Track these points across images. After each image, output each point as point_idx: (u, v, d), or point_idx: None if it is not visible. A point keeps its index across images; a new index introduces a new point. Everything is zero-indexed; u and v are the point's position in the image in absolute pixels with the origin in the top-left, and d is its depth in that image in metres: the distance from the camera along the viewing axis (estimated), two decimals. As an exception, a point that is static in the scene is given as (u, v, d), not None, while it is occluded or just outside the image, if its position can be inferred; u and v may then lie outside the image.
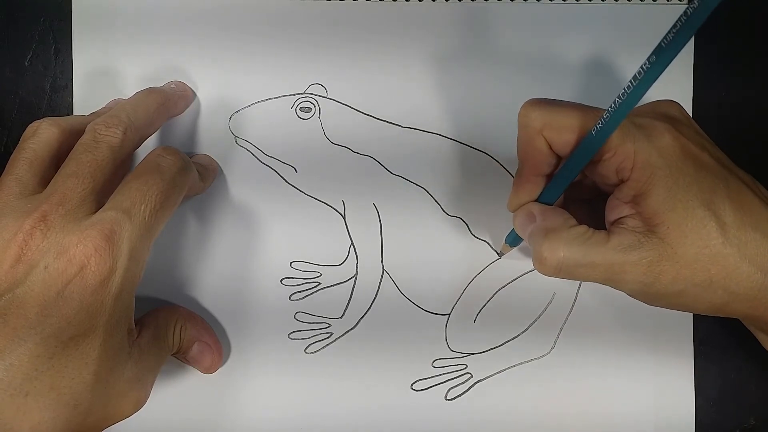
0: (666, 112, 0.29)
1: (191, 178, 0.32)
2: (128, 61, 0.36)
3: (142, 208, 0.28)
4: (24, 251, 0.27)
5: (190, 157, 0.34)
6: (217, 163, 0.36)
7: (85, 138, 0.30)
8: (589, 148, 0.27)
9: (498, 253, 0.36)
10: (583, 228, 0.28)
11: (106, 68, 0.36)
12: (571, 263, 0.27)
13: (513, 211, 0.31)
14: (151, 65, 0.36)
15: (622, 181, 0.28)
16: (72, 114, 0.36)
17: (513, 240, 0.33)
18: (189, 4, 0.36)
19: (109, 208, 0.28)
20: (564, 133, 0.28)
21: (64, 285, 0.26)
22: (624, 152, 0.27)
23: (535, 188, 0.30)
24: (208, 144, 0.36)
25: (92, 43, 0.36)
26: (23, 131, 0.31)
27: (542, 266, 0.28)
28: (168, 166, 0.30)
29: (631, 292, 0.28)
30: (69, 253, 0.26)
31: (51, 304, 0.26)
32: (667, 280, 0.27)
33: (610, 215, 0.29)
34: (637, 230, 0.27)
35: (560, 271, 0.28)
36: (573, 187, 0.30)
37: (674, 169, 0.27)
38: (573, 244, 0.27)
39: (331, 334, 0.36)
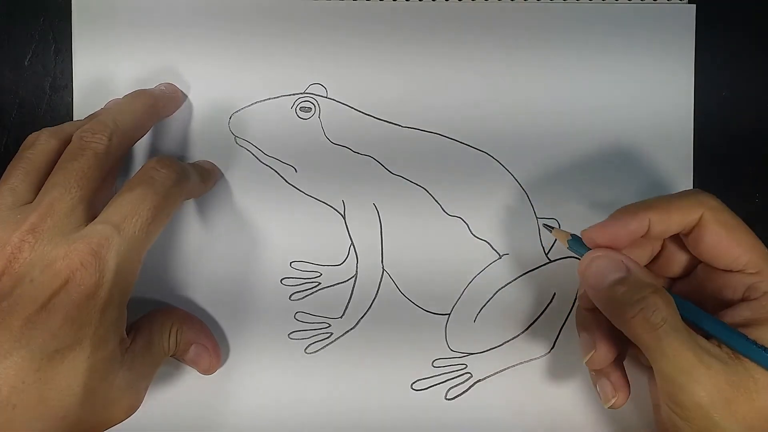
0: None
1: (188, 186, 0.31)
2: (128, 61, 0.36)
3: (133, 221, 0.28)
4: (11, 264, 0.27)
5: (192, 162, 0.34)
6: (219, 169, 0.35)
7: (71, 146, 0.30)
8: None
9: (549, 229, 0.33)
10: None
11: (106, 68, 0.36)
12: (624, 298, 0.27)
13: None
14: (151, 65, 0.36)
15: (742, 297, 0.28)
16: (71, 114, 0.36)
17: (576, 248, 0.31)
18: (189, 4, 0.36)
19: (100, 221, 0.28)
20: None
21: (48, 298, 0.26)
22: None
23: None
24: (208, 144, 0.36)
25: (92, 43, 0.36)
26: (23, 131, 0.31)
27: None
28: (162, 179, 0.30)
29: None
30: (55, 267, 0.27)
31: (35, 317, 0.26)
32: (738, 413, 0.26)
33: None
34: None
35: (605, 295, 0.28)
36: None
37: None
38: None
39: (331, 334, 0.36)
